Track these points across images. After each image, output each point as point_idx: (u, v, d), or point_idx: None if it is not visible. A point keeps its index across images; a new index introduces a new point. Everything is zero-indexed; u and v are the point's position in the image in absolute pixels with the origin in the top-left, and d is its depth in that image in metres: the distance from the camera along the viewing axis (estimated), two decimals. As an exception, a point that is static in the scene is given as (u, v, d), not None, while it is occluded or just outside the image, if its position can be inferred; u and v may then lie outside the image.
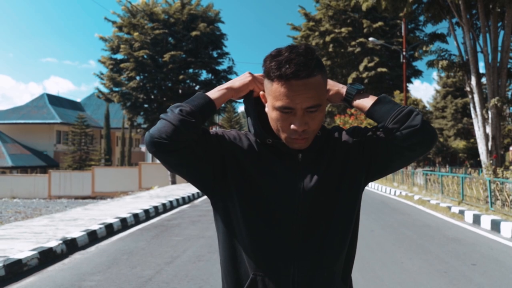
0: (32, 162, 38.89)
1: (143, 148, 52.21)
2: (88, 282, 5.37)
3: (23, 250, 6.40)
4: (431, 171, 18.77)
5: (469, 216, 9.98)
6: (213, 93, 1.31)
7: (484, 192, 10.79)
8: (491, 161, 12.91)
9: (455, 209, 11.00)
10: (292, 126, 1.23)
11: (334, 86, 1.39)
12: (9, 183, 30.65)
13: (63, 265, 6.30)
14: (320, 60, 1.26)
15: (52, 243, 6.86)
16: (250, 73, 1.35)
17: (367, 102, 1.34)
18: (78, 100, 53.23)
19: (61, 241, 7.04)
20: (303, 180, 1.29)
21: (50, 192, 30.34)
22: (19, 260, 5.86)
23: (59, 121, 41.13)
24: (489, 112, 13.37)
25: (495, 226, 8.66)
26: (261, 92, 1.35)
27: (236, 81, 1.35)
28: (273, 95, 1.24)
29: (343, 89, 1.38)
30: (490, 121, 13.34)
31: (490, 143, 13.28)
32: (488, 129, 13.42)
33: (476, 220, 9.58)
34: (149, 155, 45.00)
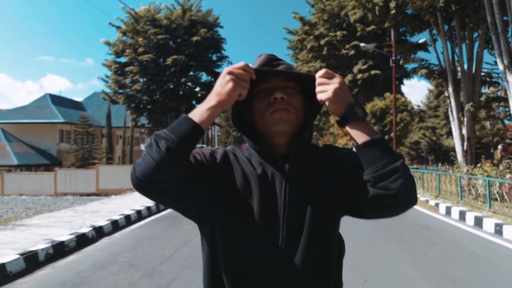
0: (36, 161, 40.05)
1: (142, 146, 53.54)
2: (121, 258, 6.69)
3: (62, 235, 7.72)
4: (415, 168, 20.22)
5: (442, 208, 11.37)
6: (201, 114, 1.16)
7: (456, 187, 12.20)
8: (462, 159, 14.38)
9: (432, 202, 12.42)
10: (273, 96, 1.24)
11: (346, 93, 1.21)
12: (17, 180, 31.56)
13: (96, 247, 7.63)
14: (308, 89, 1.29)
15: (84, 230, 8.18)
16: (229, 72, 1.17)
17: (358, 137, 1.19)
18: (80, 99, 54.42)
19: (91, 228, 8.37)
20: (288, 204, 1.25)
21: (56, 189, 31.28)
22: (62, 242, 7.18)
23: (62, 120, 42.24)
24: (465, 116, 14.79)
25: (462, 216, 10.03)
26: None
27: (220, 94, 1.17)
28: (255, 93, 1.28)
29: (346, 106, 1.20)
30: (465, 123, 14.77)
31: (465, 143, 14.71)
32: (464, 131, 14.86)
33: (448, 211, 10.95)
34: (150, 154, 45.98)
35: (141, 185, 1.15)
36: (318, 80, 1.22)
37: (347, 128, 1.22)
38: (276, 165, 1.29)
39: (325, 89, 1.20)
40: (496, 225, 8.44)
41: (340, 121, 1.23)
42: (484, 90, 22.08)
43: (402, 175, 1.14)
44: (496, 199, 10.12)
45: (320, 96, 1.21)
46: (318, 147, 1.40)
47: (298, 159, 1.30)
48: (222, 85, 1.16)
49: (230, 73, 1.16)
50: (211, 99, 1.17)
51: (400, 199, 1.17)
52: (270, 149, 1.30)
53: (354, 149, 1.28)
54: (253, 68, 1.21)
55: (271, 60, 1.30)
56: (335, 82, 1.19)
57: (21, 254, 6.13)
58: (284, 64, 1.30)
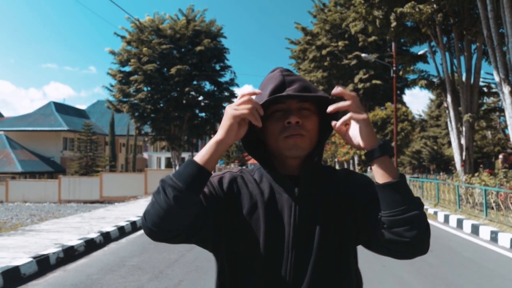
0: (40, 168, 40.40)
1: (145, 155, 53.92)
2: (129, 262, 6.96)
3: (71, 240, 7.99)
4: (416, 178, 20.50)
5: (441, 216, 11.62)
6: (203, 155, 1.13)
7: (454, 196, 12.47)
8: (460, 169, 14.69)
9: (431, 211, 12.67)
10: (287, 120, 1.19)
11: (371, 127, 1.16)
12: (21, 188, 31.86)
13: (104, 252, 7.90)
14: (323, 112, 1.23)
15: (92, 235, 8.46)
16: (234, 109, 1.13)
17: (382, 175, 1.14)
18: (83, 107, 54.99)
19: (99, 233, 8.64)
20: (296, 228, 1.22)
21: (60, 197, 31.54)
22: (72, 247, 7.46)
23: (66, 128, 42.67)
24: (463, 126, 15.10)
25: (460, 224, 10.28)
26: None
27: (224, 132, 1.14)
28: (269, 114, 1.22)
29: (377, 140, 1.15)
30: (464, 134, 15.08)
31: (464, 153, 15.02)
32: (463, 141, 15.17)
33: (446, 219, 11.20)
34: (153, 161, 46.55)
35: (154, 234, 1.14)
36: (350, 101, 1.15)
37: (373, 163, 1.16)
38: (286, 188, 1.26)
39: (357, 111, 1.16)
40: (492, 232, 8.69)
41: (367, 154, 1.17)
42: (486, 100, 22.40)
43: (419, 225, 1.12)
44: (492, 208, 10.37)
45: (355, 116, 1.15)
46: (335, 170, 1.36)
47: (310, 182, 1.28)
48: (226, 124, 1.14)
49: (235, 110, 1.13)
50: (215, 138, 1.15)
51: (412, 247, 1.15)
52: (281, 173, 1.27)
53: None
54: (266, 98, 1.19)
55: (285, 77, 1.24)
56: (363, 113, 1.15)
57: (34, 258, 6.40)
58: (299, 81, 1.24)
